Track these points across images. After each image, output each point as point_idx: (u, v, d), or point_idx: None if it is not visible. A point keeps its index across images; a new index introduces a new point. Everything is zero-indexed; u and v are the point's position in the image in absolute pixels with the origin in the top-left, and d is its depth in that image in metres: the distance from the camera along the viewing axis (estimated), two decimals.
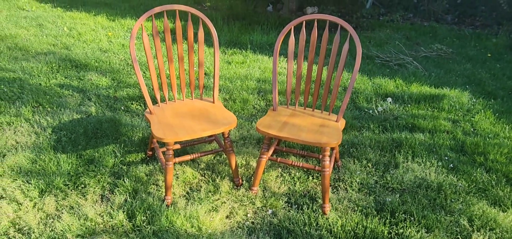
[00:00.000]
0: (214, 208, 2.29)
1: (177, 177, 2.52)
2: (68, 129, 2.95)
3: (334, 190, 2.49)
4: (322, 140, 2.16)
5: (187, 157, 2.41)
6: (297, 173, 2.62)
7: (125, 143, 2.81)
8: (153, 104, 2.45)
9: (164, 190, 2.42)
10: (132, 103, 3.44)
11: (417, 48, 5.22)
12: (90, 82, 3.81)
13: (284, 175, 2.61)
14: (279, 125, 2.31)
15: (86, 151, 2.71)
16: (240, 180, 2.50)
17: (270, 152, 2.41)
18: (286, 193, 2.45)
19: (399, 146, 2.91)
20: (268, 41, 5.26)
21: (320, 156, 2.24)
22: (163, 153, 2.50)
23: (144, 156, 2.71)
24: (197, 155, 2.43)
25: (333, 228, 2.15)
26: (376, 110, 3.49)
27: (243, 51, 4.84)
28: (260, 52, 4.87)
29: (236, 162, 2.47)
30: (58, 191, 2.34)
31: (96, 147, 2.76)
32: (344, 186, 2.52)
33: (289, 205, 2.35)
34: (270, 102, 3.60)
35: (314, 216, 2.24)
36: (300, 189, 2.49)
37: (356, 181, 2.55)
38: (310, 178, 2.59)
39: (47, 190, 2.34)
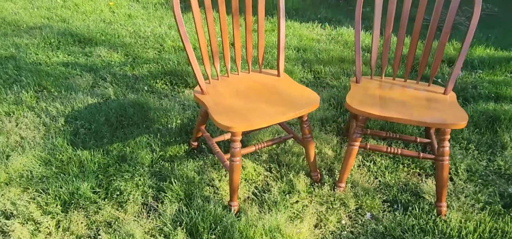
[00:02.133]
0: (296, 215, 1.74)
1: None
2: (85, 117, 2.35)
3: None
4: (447, 119, 1.62)
5: (251, 148, 1.85)
6: (382, 160, 2.08)
7: (161, 133, 2.22)
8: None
9: (225, 193, 1.86)
10: (156, 82, 2.83)
11: (466, 9, 4.66)
12: (100, 59, 3.18)
13: (366, 162, 2.07)
14: (374, 101, 1.75)
15: (113, 145, 2.12)
16: (319, 174, 1.96)
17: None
18: (379, 188, 1.92)
19: (496, 121, 2.38)
20: (293, 6, 4.64)
21: (435, 140, 1.71)
22: (228, 146, 1.93)
23: (187, 147, 2.14)
24: (262, 145, 1.87)
25: (466, 236, 1.63)
26: (444, 79, 2.95)
27: (270, 18, 4.22)
28: (288, 18, 4.25)
29: (315, 152, 1.92)
30: (87, 202, 1.76)
31: (125, 139, 2.17)
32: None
33: (389, 204, 1.82)
34: (318, 75, 3.03)
35: (430, 220, 1.71)
36: (393, 181, 1.96)
37: (461, 167, 2.02)
38: (400, 166, 2.06)
39: (72, 201, 1.76)
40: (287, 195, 1.83)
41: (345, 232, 1.68)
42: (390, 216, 1.75)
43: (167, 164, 1.99)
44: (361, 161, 2.09)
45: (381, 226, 1.70)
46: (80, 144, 2.12)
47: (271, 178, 1.96)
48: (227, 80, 1.93)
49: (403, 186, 1.94)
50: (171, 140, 2.17)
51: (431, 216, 1.73)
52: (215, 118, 1.59)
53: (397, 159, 2.11)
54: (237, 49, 1.92)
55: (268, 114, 1.63)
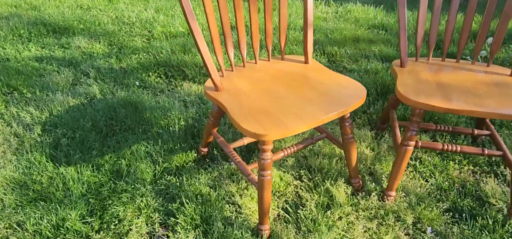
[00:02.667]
0: (342, 236, 1.40)
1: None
2: (67, 123, 1.94)
3: (500, 180, 1.65)
4: None
5: (278, 155, 1.48)
6: (429, 158, 1.76)
7: (162, 138, 1.83)
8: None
9: (250, 212, 1.50)
10: (148, 75, 2.43)
11: None
12: (80, 51, 2.74)
13: (411, 161, 1.74)
14: (432, 89, 1.41)
15: (104, 157, 1.73)
16: (360, 181, 1.62)
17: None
18: (433, 194, 1.59)
19: None
20: None
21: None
22: (247, 151, 1.57)
23: (195, 155, 1.76)
24: (292, 149, 1.51)
25: None
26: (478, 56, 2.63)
27: None
28: None
29: (357, 154, 1.58)
30: (76, 236, 1.38)
31: (119, 149, 1.77)
32: None
33: (450, 214, 1.49)
34: (332, 58, 2.67)
35: (507, 233, 1.39)
36: (446, 183, 1.64)
37: None
38: (451, 163, 1.73)
39: (58, 237, 1.38)
40: (328, 211, 1.49)
41: None
42: (456, 230, 1.42)
43: (174, 179, 1.62)
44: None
45: None
46: (62, 158, 1.72)
47: (303, 188, 1.61)
48: (244, 71, 1.55)
49: (460, 189, 1.62)
50: (176, 147, 1.79)
51: (508, 229, 1.41)
52: (241, 125, 1.21)
53: (445, 155, 1.79)
54: (254, 30, 1.54)
55: (307, 115, 1.26)
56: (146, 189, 1.56)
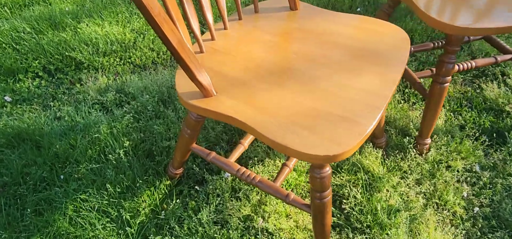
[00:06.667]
0: (412, 219, 1.12)
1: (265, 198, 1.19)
2: None
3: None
4: None
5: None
6: (426, 81, 1.56)
7: (104, 176, 1.21)
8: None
9: (290, 235, 1.09)
10: (18, 80, 1.62)
11: None
12: None
13: (405, 89, 1.52)
14: (459, 7, 1.14)
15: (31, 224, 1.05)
16: (386, 139, 1.32)
17: None
18: (457, 124, 1.41)
19: None
20: None
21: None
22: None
23: (168, 182, 1.21)
24: None
25: None
26: None
27: None
28: None
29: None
30: None
31: (46, 224, 1.10)
32: None
33: (487, 144, 1.33)
34: None
35: None
36: (476, 113, 1.47)
37: None
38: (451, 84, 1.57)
39: None
40: (374, 193, 1.18)
41: (477, 208, 1.15)
42: (500, 156, 1.28)
43: None
44: (401, 89, 1.53)
45: (503, 176, 1.22)
46: None
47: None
48: (219, 47, 1.03)
49: (469, 104, 1.47)
50: (136, 185, 1.20)
51: None
52: (308, 152, 0.76)
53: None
54: None
55: (371, 95, 0.86)
56: None
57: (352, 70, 0.91)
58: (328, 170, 0.87)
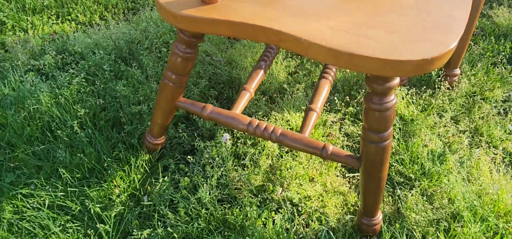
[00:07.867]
0: (461, 161, 0.91)
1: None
2: None
3: None
4: None
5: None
6: None
7: (70, 162, 0.87)
8: None
9: (316, 204, 0.83)
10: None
11: None
12: None
13: None
14: None
15: None
16: None
17: None
18: (488, 52, 1.22)
19: None
20: None
21: None
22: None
23: (147, 157, 0.89)
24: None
25: None
26: None
27: None
28: None
29: None
30: None
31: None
32: None
33: None
34: None
35: None
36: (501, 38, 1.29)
37: None
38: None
39: None
40: (410, 139, 0.95)
41: None
42: None
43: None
44: None
45: None
46: None
47: (341, 121, 1.00)
48: None
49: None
50: (97, 171, 0.87)
51: None
52: (391, 58, 0.50)
53: None
54: None
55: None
56: None
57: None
58: (393, 98, 0.62)
